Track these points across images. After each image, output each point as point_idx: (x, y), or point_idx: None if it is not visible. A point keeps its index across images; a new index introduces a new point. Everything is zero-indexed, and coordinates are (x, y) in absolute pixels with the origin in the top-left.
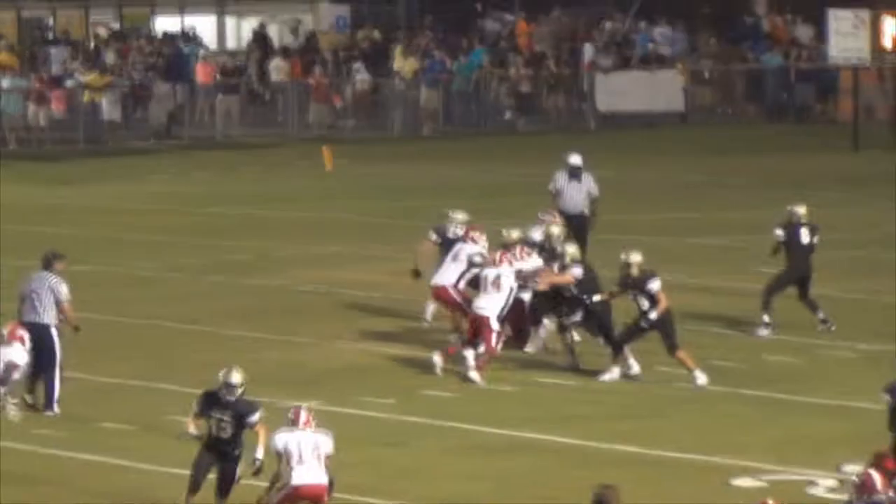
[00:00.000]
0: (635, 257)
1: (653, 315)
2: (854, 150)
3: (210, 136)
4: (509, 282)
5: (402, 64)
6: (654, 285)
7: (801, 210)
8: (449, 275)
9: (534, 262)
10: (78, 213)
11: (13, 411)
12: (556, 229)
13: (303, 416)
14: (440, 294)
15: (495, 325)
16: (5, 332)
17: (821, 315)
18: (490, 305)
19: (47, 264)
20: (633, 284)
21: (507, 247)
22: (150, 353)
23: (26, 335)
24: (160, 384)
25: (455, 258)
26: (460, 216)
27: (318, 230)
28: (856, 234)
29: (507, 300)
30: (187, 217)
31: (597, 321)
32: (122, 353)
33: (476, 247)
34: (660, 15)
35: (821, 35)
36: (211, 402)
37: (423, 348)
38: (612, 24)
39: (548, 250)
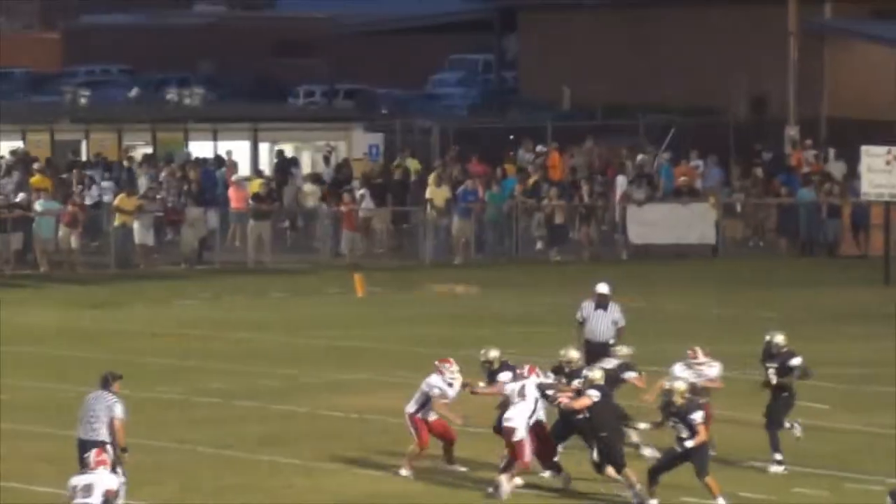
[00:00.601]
0: (680, 386)
1: (689, 443)
2: (885, 285)
3: (241, 261)
4: (534, 392)
5: (435, 193)
6: (697, 416)
7: (780, 339)
8: (411, 402)
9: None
10: (108, 337)
11: None
12: (575, 354)
13: None
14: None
15: (522, 435)
16: (91, 460)
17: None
18: (516, 416)
19: (105, 384)
20: (676, 413)
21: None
22: (181, 478)
23: (108, 457)
24: None
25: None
26: (493, 353)
27: (349, 357)
28: (884, 370)
29: (534, 409)
30: (217, 342)
31: (607, 450)
32: (154, 476)
33: (436, 378)
34: (692, 147)
35: (853, 170)
36: None
37: (451, 476)
38: (643, 157)
39: (567, 374)
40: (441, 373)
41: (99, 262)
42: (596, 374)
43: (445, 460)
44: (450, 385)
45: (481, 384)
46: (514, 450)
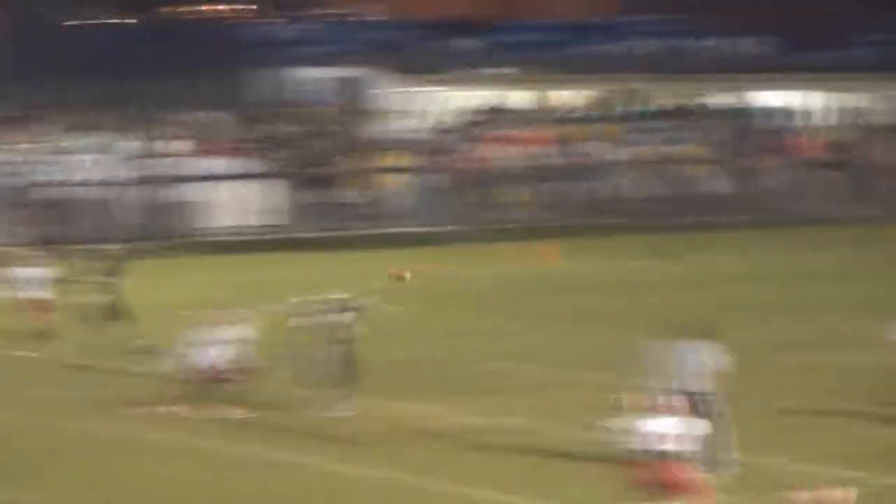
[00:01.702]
0: None
1: None
2: None
3: (807, 211)
4: None
5: None
6: None
7: None
8: None
9: None
10: (664, 288)
11: None
12: None
13: None
14: None
15: None
16: (662, 406)
17: None
18: None
19: (702, 335)
20: None
21: None
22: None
23: (678, 404)
24: None
25: None
26: None
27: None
28: None
29: None
30: (768, 293)
31: None
32: None
33: None
34: None
35: None
36: None
37: None
38: None
39: None
40: None
41: (667, 210)
42: None
43: None
44: None
45: None
46: None
